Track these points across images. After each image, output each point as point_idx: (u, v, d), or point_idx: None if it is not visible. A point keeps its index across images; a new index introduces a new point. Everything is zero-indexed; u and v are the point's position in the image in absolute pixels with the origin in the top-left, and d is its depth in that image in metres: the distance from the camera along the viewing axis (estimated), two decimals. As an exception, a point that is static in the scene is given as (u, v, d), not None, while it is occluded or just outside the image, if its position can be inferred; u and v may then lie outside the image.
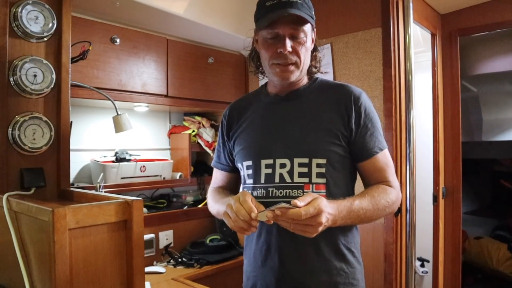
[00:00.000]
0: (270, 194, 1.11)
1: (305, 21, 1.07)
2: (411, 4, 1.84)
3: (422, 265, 2.59)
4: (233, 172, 1.31)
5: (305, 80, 1.21)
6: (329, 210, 0.94)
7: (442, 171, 2.39)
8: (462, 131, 2.41)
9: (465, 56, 2.88)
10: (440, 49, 2.40)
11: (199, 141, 2.63)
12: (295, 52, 1.09)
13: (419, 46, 2.53)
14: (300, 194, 1.07)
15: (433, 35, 2.36)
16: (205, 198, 2.63)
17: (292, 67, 1.10)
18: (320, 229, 0.92)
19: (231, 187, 1.33)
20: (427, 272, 2.56)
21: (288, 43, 1.07)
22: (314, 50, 1.21)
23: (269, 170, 1.12)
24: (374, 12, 1.97)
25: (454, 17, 2.37)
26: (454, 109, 2.40)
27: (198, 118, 2.66)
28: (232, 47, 2.55)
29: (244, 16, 2.26)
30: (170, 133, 2.63)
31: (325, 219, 0.92)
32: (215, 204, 1.23)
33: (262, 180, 1.12)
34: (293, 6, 1.05)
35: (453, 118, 2.40)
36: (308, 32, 1.11)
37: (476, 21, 2.29)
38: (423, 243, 2.40)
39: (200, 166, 2.74)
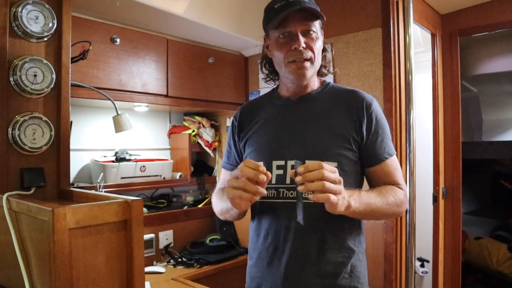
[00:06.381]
0: (281, 195, 1.11)
1: (314, 17, 1.09)
2: (411, 4, 1.84)
3: (422, 265, 2.59)
4: None
5: (316, 84, 1.22)
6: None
7: (442, 171, 2.39)
8: (462, 131, 2.41)
9: (465, 56, 2.88)
10: (440, 49, 2.40)
11: (199, 141, 2.63)
12: (309, 47, 1.10)
13: (419, 46, 2.53)
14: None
15: (433, 35, 2.36)
16: (205, 198, 2.64)
17: (307, 63, 1.11)
18: (334, 177, 0.91)
19: None
20: (427, 272, 2.56)
21: (302, 39, 1.09)
22: (323, 50, 1.21)
23: (280, 171, 1.12)
24: (374, 12, 1.97)
25: (454, 17, 2.37)
26: (454, 109, 2.40)
27: (198, 118, 2.66)
28: (232, 47, 2.55)
29: (244, 16, 2.26)
30: (170, 133, 2.63)
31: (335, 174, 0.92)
32: (220, 202, 1.21)
33: (273, 181, 1.12)
34: (302, 4, 1.07)
35: (453, 118, 2.40)
36: (318, 28, 1.13)
37: (476, 21, 2.29)
38: (423, 243, 2.39)
39: (200, 166, 2.74)
